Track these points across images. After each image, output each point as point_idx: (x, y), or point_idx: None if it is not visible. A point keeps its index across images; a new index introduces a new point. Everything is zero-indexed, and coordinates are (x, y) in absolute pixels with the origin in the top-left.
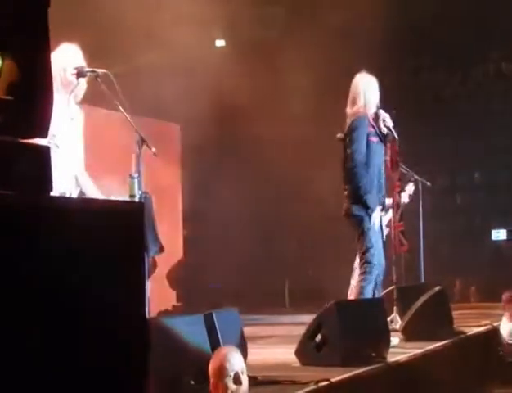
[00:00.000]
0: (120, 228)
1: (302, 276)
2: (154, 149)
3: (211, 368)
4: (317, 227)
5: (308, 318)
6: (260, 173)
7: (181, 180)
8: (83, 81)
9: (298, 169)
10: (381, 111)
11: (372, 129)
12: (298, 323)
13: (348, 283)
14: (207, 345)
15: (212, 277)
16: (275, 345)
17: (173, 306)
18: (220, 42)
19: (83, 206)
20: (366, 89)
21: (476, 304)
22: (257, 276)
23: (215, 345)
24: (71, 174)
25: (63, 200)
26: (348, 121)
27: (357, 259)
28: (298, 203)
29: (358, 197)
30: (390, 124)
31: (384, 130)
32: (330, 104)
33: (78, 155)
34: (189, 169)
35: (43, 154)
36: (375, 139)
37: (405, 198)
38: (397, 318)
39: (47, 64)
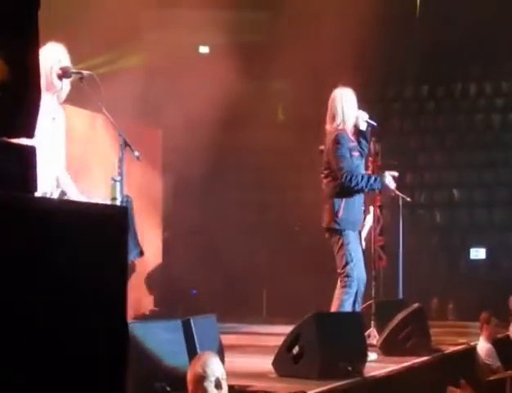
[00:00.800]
0: (104, 232)
1: (280, 285)
2: (137, 153)
3: (190, 373)
4: (297, 236)
5: (285, 329)
6: (242, 179)
7: (162, 185)
8: (66, 82)
9: (280, 176)
10: (358, 112)
11: (353, 144)
12: (275, 334)
13: (327, 294)
14: (184, 351)
15: (189, 282)
16: (251, 354)
17: (150, 311)
18: (204, 49)
19: (67, 208)
20: (344, 104)
21: (453, 323)
22: (235, 283)
23: (192, 351)
24: (52, 175)
25: (46, 201)
26: (329, 138)
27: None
28: (280, 210)
29: (339, 212)
30: (366, 116)
31: (364, 127)
32: (313, 111)
33: (59, 155)
34: (170, 174)
35: (29, 154)
36: (356, 154)
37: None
38: (375, 332)
39: (35, 64)
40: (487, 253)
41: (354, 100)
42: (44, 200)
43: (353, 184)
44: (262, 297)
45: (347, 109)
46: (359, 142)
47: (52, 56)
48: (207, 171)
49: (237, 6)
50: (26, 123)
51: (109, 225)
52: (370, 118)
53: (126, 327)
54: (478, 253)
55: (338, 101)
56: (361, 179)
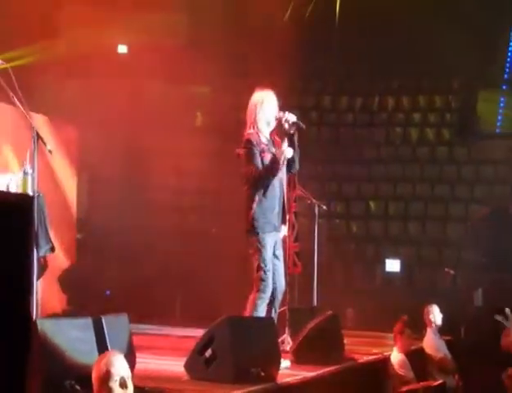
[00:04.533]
0: (7, 220)
1: (195, 288)
2: (49, 147)
3: (95, 372)
4: (214, 240)
5: (198, 332)
6: (160, 181)
7: (76, 183)
8: None
9: (196, 181)
10: (281, 113)
11: (265, 146)
12: (188, 336)
13: (241, 298)
14: (94, 350)
15: (103, 283)
16: (164, 356)
17: (63, 310)
18: (122, 48)
19: None
20: (259, 108)
21: (368, 333)
22: (149, 285)
23: (103, 349)
24: None
25: None
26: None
27: None
28: (196, 215)
29: (252, 217)
30: (293, 118)
31: (292, 130)
32: (233, 116)
33: None
34: (86, 173)
35: None
36: (268, 155)
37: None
38: (289, 339)
39: None
40: (402, 265)
41: (272, 103)
42: None
43: (261, 174)
44: (176, 300)
45: (262, 113)
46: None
47: None
48: (124, 173)
49: (159, 7)
50: None
51: (13, 213)
52: (297, 119)
53: (29, 322)
54: (392, 264)
55: (252, 104)
56: (266, 168)
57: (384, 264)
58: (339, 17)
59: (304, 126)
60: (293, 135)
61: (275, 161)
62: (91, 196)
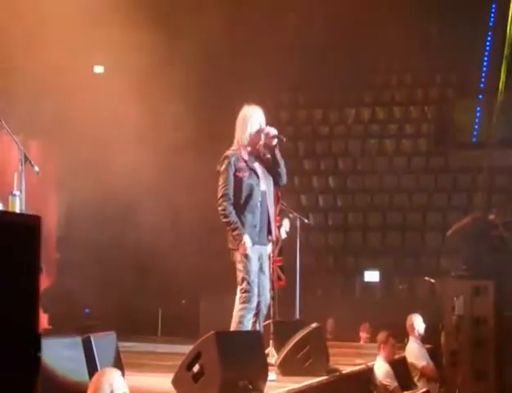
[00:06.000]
0: (17, 240)
1: (175, 305)
2: (37, 168)
3: (93, 388)
4: (193, 257)
5: (180, 348)
6: (135, 200)
7: (56, 202)
8: None
9: (173, 197)
10: (263, 128)
11: (244, 164)
12: (171, 353)
13: (223, 314)
14: (84, 368)
15: (83, 302)
16: (150, 373)
17: (45, 329)
18: (98, 69)
19: None
20: (247, 122)
21: (349, 344)
22: (130, 303)
23: (92, 368)
24: None
25: None
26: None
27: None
28: (173, 233)
29: (231, 231)
30: (274, 131)
31: (274, 142)
32: (209, 133)
33: None
34: (63, 191)
35: None
36: (245, 174)
37: (283, 234)
38: (273, 352)
39: None
40: (381, 276)
41: (260, 118)
42: None
43: (222, 214)
44: (157, 316)
45: (250, 127)
46: (269, 160)
47: None
48: (102, 191)
49: (134, 26)
50: None
51: (23, 234)
52: (279, 133)
53: (38, 338)
54: (372, 275)
55: (241, 119)
56: (232, 221)
57: (362, 274)
58: (313, 31)
59: (285, 139)
60: (274, 147)
61: (237, 235)
62: (69, 214)
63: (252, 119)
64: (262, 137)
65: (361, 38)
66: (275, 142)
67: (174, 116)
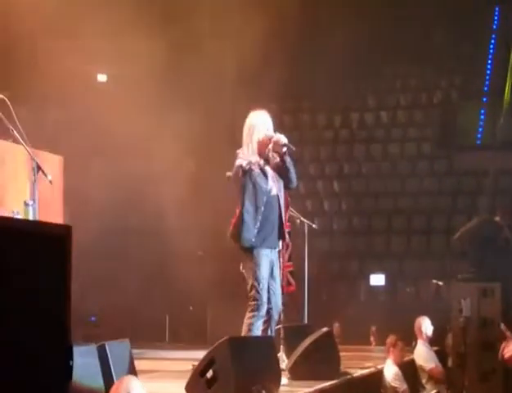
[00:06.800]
0: (50, 250)
1: (182, 311)
2: (50, 177)
3: None
4: (199, 262)
5: (188, 354)
6: (139, 207)
7: (63, 212)
8: None
9: (178, 205)
10: (272, 136)
11: (257, 169)
12: (180, 359)
13: (231, 320)
14: (99, 376)
15: (88, 310)
16: (161, 379)
17: None
18: (102, 77)
19: (10, 226)
20: (255, 128)
21: (356, 347)
22: (136, 310)
23: (107, 376)
24: None
25: None
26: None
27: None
28: (180, 237)
29: (243, 237)
30: (285, 140)
31: (283, 150)
32: (214, 141)
33: None
34: (68, 200)
35: None
36: (260, 179)
37: None
38: (284, 357)
39: None
40: (386, 279)
41: (268, 124)
42: None
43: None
44: (165, 323)
45: (258, 133)
46: (279, 168)
47: None
48: (106, 199)
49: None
50: None
51: (56, 244)
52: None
53: (71, 350)
54: (378, 279)
55: (249, 125)
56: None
57: (368, 278)
58: (316, 37)
59: (294, 148)
60: (284, 155)
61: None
62: (76, 223)
63: (259, 124)
64: (271, 144)
65: (364, 42)
66: (284, 149)
67: (180, 125)
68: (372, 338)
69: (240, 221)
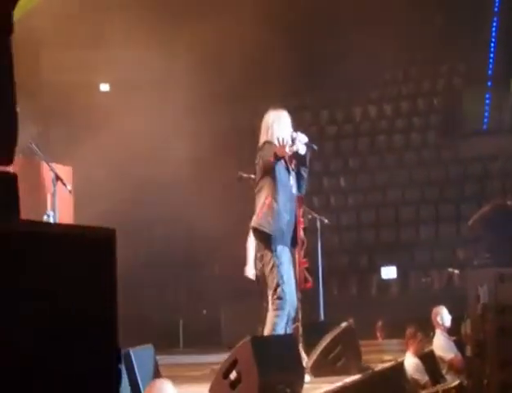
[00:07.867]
0: (94, 255)
1: (196, 315)
2: (69, 187)
3: None
4: (210, 266)
5: (205, 358)
6: (152, 213)
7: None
8: None
9: (188, 209)
10: (294, 133)
11: (283, 165)
12: (197, 363)
13: (245, 322)
14: (125, 382)
15: None
16: (182, 384)
17: None
18: (104, 87)
19: (54, 231)
20: (275, 124)
21: (371, 342)
22: (150, 315)
23: (133, 382)
24: None
25: (39, 224)
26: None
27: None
28: (191, 242)
29: (267, 233)
30: (305, 139)
31: (304, 150)
32: (216, 145)
33: None
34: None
35: (11, 180)
36: (286, 175)
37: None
38: (303, 354)
39: (12, 89)
40: (398, 271)
41: (285, 119)
42: (37, 223)
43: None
44: (178, 328)
45: (277, 128)
46: (296, 166)
47: None
48: (113, 206)
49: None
50: (4, 149)
51: (101, 249)
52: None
53: (120, 354)
54: (388, 271)
55: (265, 121)
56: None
57: (378, 272)
58: (314, 31)
59: (316, 147)
60: (305, 155)
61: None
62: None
63: (282, 123)
64: (293, 145)
65: (364, 34)
66: (304, 150)
67: (191, 127)
68: (378, 333)
69: (271, 209)
